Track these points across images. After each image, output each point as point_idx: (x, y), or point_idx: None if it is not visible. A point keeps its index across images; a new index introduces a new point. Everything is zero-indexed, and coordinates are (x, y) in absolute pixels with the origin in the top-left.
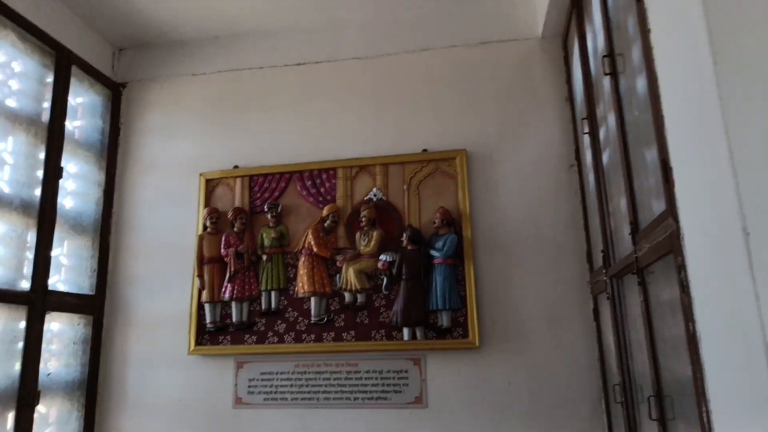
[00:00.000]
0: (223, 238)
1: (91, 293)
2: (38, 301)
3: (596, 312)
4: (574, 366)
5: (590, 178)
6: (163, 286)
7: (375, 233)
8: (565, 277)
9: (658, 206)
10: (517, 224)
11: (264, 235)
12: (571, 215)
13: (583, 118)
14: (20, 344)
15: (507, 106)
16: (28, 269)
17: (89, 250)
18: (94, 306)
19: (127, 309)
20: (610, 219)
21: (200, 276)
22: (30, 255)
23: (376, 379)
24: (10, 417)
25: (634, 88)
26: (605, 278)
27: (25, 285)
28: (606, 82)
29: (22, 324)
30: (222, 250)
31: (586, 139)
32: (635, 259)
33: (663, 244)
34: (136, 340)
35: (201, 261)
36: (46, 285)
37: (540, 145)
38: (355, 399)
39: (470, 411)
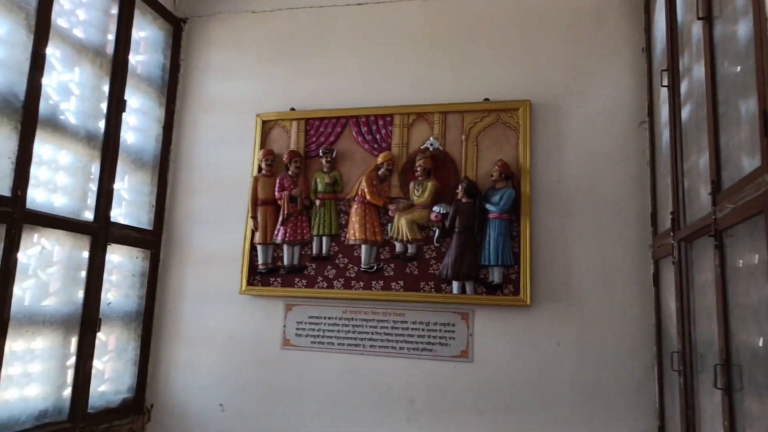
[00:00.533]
0: (278, 181)
1: (149, 228)
2: (101, 233)
3: (656, 277)
4: (626, 330)
5: (664, 135)
6: (217, 224)
7: (429, 184)
8: (624, 239)
9: (751, 163)
10: (578, 181)
11: (318, 180)
12: (637, 175)
13: (662, 70)
14: (83, 273)
15: (576, 56)
16: (91, 200)
17: (148, 185)
18: (152, 241)
19: (183, 245)
20: (683, 179)
21: (254, 217)
22: (93, 187)
23: (423, 330)
24: (74, 341)
25: (732, 34)
26: (672, 241)
27: (89, 216)
28: (696, 28)
29: (86, 253)
30: (276, 193)
31: (664, 93)
32: (714, 220)
33: (752, 204)
34: (191, 276)
35: (255, 202)
36: (108, 217)
37: (609, 98)
38: (401, 349)
39: (516, 368)
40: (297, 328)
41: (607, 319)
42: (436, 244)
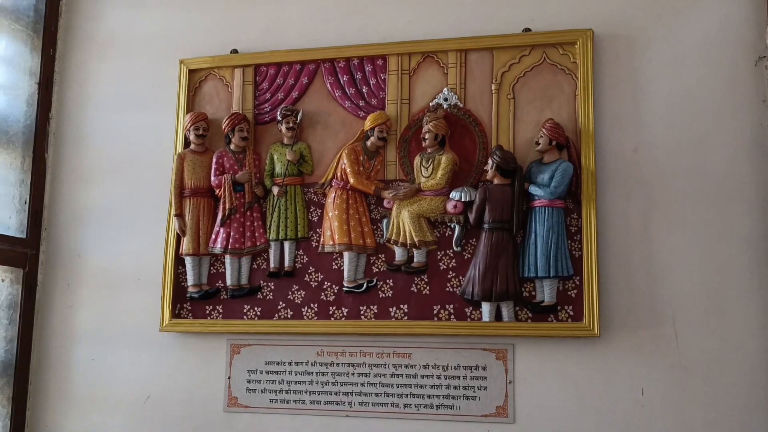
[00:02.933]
0: (214, 160)
1: (20, 236)
2: None
3: None
4: (743, 374)
5: None
6: (124, 228)
7: (444, 158)
8: (739, 235)
9: None
10: (667, 150)
11: (275, 157)
12: (754, 137)
13: None
14: None
15: None
16: None
17: (17, 171)
18: (26, 255)
19: (72, 261)
20: None
21: (179, 215)
22: None
23: (439, 378)
24: None
25: None
26: None
27: None
28: None
29: None
30: (212, 178)
31: None
32: None
33: None
34: (86, 306)
35: (181, 193)
36: None
37: (710, 27)
38: (406, 407)
39: (579, 431)
40: (249, 380)
41: (714, 357)
42: (455, 249)
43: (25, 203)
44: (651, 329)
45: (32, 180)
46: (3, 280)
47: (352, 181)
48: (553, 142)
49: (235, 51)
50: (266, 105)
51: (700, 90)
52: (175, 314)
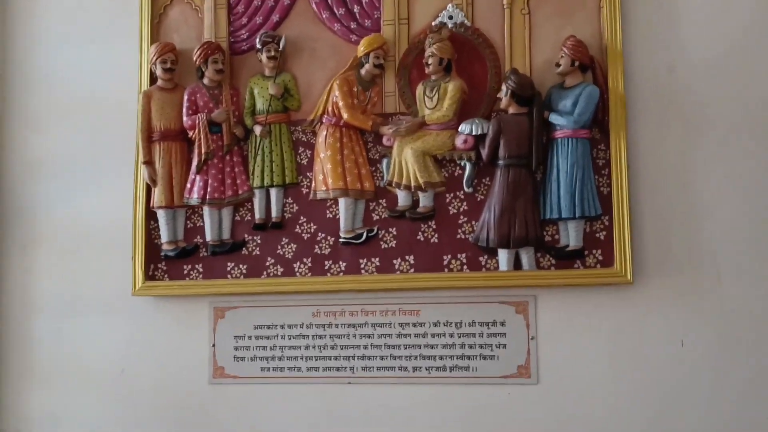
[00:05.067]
0: (186, 97)
1: None
2: None
3: None
4: None
5: None
6: (84, 179)
7: (451, 86)
8: None
9: None
10: (708, 69)
11: (256, 92)
12: None
13: None
14: None
15: None
16: None
17: None
18: None
19: (27, 219)
20: None
21: (148, 163)
22: None
23: (452, 336)
24: None
25: None
26: None
27: None
28: None
29: None
30: (184, 119)
31: None
32: None
33: None
34: (45, 271)
35: (149, 137)
36: None
37: None
38: (416, 370)
39: (612, 390)
40: (236, 347)
41: (762, 304)
42: (466, 190)
43: None
44: (690, 274)
45: None
46: None
47: (345, 116)
48: (576, 63)
49: None
50: (243, 31)
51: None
52: (149, 276)
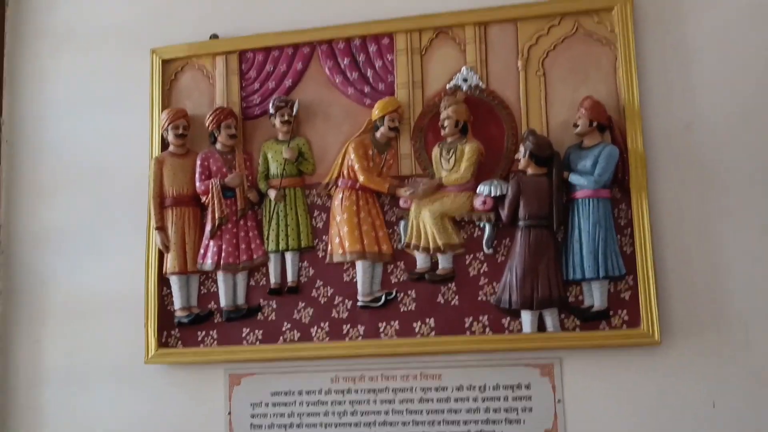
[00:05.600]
0: (199, 163)
1: None
2: None
3: None
4: None
5: None
6: (95, 247)
7: (468, 147)
8: None
9: None
10: (725, 123)
11: (270, 156)
12: None
13: None
14: None
15: None
16: None
17: None
18: None
19: (36, 288)
20: None
21: (160, 229)
22: None
23: (476, 400)
24: None
25: None
26: None
27: None
28: None
29: None
30: (198, 184)
31: None
32: None
33: None
34: (55, 340)
35: (161, 203)
36: None
37: None
38: None
39: None
40: (253, 415)
41: None
42: (486, 251)
43: None
44: (718, 333)
45: None
46: None
47: (362, 178)
48: (594, 123)
49: (215, 36)
50: (255, 96)
51: (758, 55)
52: (162, 343)
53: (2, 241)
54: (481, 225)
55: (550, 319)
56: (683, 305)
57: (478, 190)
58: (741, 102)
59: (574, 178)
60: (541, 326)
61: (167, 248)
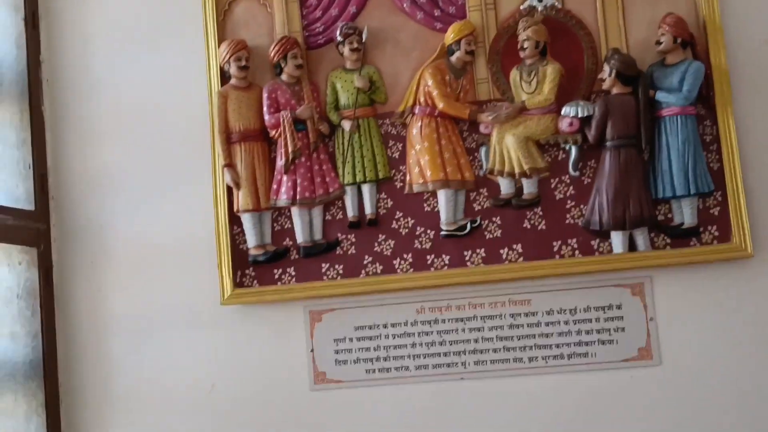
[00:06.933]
0: (266, 95)
1: (29, 208)
2: None
3: None
4: None
5: None
6: (155, 188)
7: (549, 69)
8: None
9: None
10: None
11: (339, 86)
12: None
13: None
14: None
15: None
16: None
17: (17, 129)
18: (37, 231)
19: (94, 235)
20: None
21: (229, 165)
22: None
23: (566, 323)
24: None
25: None
26: None
27: None
28: None
29: None
30: (266, 117)
31: None
32: None
33: None
34: (119, 288)
35: (227, 138)
36: None
37: None
38: (532, 360)
39: (737, 367)
40: (337, 351)
41: None
42: (572, 173)
43: (29, 168)
44: None
45: (32, 139)
46: (20, 263)
47: (441, 105)
48: (678, 40)
49: None
50: (317, 25)
51: None
52: (238, 283)
53: (52, 186)
54: (567, 147)
55: (641, 238)
56: None
57: (563, 112)
58: None
59: (661, 96)
60: (631, 246)
61: (238, 185)
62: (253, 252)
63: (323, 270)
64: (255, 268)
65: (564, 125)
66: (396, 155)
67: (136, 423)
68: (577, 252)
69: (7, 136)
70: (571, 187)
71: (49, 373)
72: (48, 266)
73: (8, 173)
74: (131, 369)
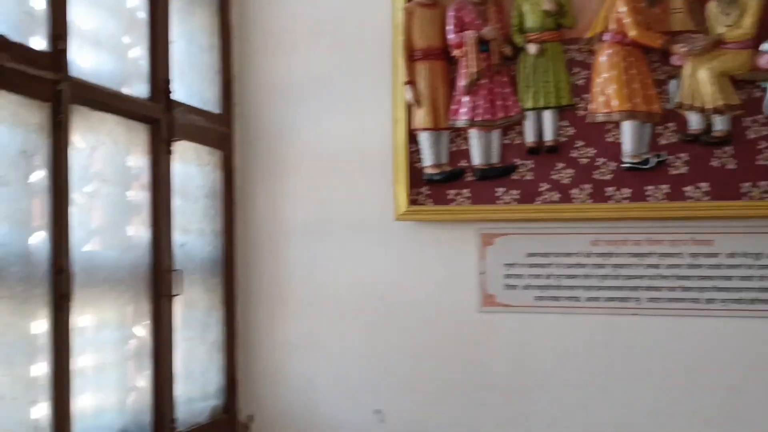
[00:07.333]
0: (452, 14)
1: (217, 111)
2: (164, 121)
3: None
4: None
5: None
6: (335, 101)
7: (752, 1)
8: None
9: None
10: None
11: (526, 9)
12: None
13: None
14: (144, 194)
15: None
16: (139, 61)
17: (207, 35)
18: (223, 134)
19: (275, 142)
20: None
21: (411, 83)
22: (141, 35)
23: (750, 267)
24: (135, 311)
25: None
26: None
27: (141, 89)
28: None
29: (141, 159)
30: (451, 36)
31: None
32: None
33: None
34: (296, 195)
35: (411, 55)
36: (168, 91)
37: None
38: (710, 302)
39: None
40: (507, 275)
41: None
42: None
43: (218, 73)
44: None
45: (221, 46)
46: (207, 164)
47: (633, 33)
48: None
49: None
50: None
51: None
52: (413, 200)
53: (237, 93)
54: (764, 86)
55: None
56: None
57: (762, 48)
58: None
59: None
60: None
61: (419, 103)
62: (429, 170)
63: (498, 194)
64: (430, 187)
65: (763, 62)
66: (580, 82)
67: (307, 326)
68: (766, 195)
69: (200, 40)
70: (765, 127)
71: (228, 271)
72: (230, 169)
73: (200, 76)
74: (304, 273)
